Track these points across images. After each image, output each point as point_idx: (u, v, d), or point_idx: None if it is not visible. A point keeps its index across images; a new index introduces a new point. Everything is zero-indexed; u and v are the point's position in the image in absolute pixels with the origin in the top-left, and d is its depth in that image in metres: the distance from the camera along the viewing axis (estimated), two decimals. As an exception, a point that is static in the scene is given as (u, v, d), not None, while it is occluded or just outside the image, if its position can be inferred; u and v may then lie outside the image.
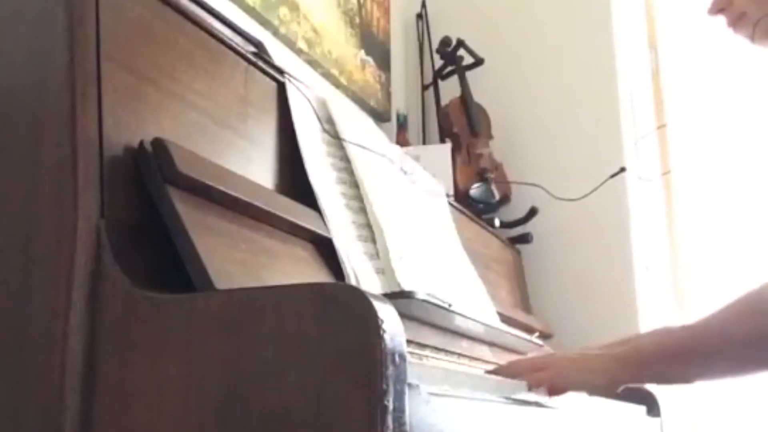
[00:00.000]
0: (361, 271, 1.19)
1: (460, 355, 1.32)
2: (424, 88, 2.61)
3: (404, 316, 0.77)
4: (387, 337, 0.70)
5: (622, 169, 2.18)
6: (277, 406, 0.71)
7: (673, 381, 1.20)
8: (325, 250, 1.17)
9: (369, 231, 1.29)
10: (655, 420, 1.73)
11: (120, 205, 0.87)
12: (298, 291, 0.75)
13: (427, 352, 1.19)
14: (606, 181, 2.15)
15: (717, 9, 1.18)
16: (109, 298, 0.80)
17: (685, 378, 1.14)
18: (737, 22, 1.16)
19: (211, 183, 0.94)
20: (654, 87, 2.62)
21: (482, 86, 2.47)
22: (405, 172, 1.55)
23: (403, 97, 2.59)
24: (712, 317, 1.07)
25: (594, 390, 1.16)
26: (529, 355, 1.52)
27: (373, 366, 0.69)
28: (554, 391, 1.10)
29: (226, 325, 0.75)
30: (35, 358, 0.80)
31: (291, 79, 1.27)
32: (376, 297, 0.72)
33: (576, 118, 2.46)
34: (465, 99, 2.43)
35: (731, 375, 1.14)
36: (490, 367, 1.19)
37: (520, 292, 2.23)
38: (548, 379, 1.09)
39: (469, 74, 2.46)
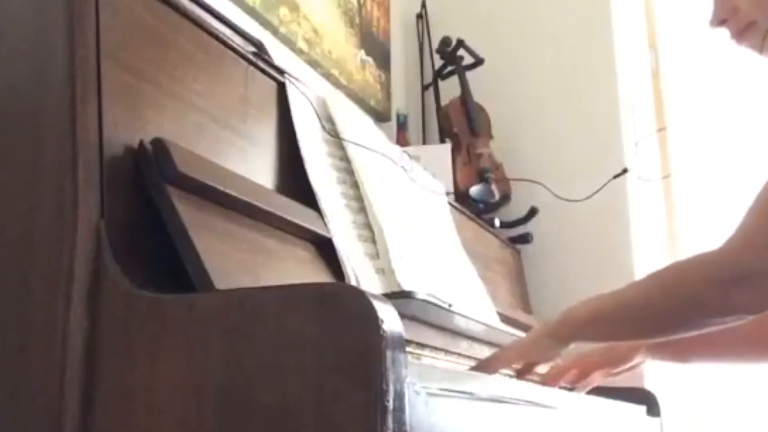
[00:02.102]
0: (361, 271, 1.19)
1: (460, 355, 1.32)
2: (424, 88, 2.61)
3: (404, 316, 0.77)
4: (387, 337, 0.70)
5: (625, 170, 2.18)
6: (277, 406, 0.71)
7: (611, 339, 1.30)
8: (325, 250, 1.17)
9: (369, 231, 1.29)
10: (655, 420, 1.73)
11: (120, 205, 0.87)
12: (298, 291, 0.75)
13: (427, 352, 1.19)
14: (609, 182, 2.15)
15: (720, 20, 1.10)
16: (109, 298, 0.80)
17: (621, 337, 1.24)
18: (744, 32, 1.09)
19: (211, 183, 0.94)
20: (654, 87, 2.62)
21: (482, 86, 2.47)
22: (406, 170, 1.55)
23: (403, 97, 2.59)
24: (636, 283, 1.15)
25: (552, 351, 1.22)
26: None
27: (373, 366, 0.69)
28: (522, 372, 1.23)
29: (226, 325, 0.75)
30: (35, 358, 0.80)
31: (291, 79, 1.27)
32: (376, 297, 0.72)
33: (576, 118, 2.46)
34: (465, 99, 2.43)
35: (657, 336, 1.23)
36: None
37: (520, 292, 2.23)
38: (513, 362, 1.22)
39: (469, 74, 2.46)
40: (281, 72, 1.26)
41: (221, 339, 0.75)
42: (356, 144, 1.36)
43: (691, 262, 1.04)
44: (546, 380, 1.31)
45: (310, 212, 1.16)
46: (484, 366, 1.19)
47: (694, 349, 1.37)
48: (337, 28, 2.14)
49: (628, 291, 1.12)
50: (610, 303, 1.13)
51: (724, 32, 1.12)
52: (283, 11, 1.88)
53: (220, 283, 0.85)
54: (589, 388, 1.40)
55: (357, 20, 2.26)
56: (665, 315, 1.06)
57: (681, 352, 1.39)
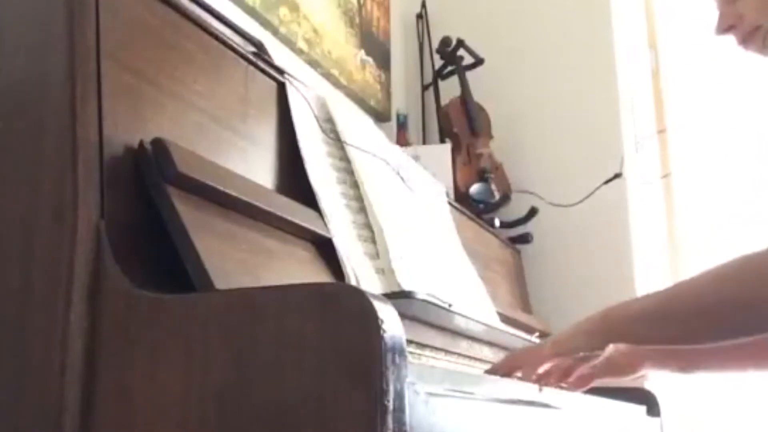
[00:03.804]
0: (361, 271, 1.19)
1: (460, 355, 1.32)
2: (424, 88, 2.61)
3: (404, 316, 0.77)
4: (387, 337, 0.70)
5: (617, 175, 2.18)
6: (277, 405, 0.71)
7: (655, 342, 1.21)
8: (325, 250, 1.17)
9: (369, 231, 1.29)
10: (655, 420, 1.73)
11: (120, 205, 0.87)
12: (298, 291, 0.75)
13: (427, 352, 1.19)
14: (599, 187, 2.15)
15: (726, 27, 1.11)
16: (109, 298, 0.80)
17: (667, 340, 1.15)
18: (750, 37, 1.10)
19: (211, 183, 0.94)
20: (654, 87, 2.62)
21: (482, 86, 2.47)
22: (403, 179, 1.54)
23: (403, 97, 2.59)
24: (687, 281, 1.07)
25: (588, 350, 1.19)
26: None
27: (373, 366, 0.69)
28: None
29: (226, 325, 0.75)
30: (35, 358, 0.80)
31: (291, 79, 1.27)
32: (376, 297, 0.72)
33: (576, 117, 2.46)
34: (465, 99, 2.43)
35: (708, 340, 1.13)
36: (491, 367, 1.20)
37: (520, 292, 2.24)
38: (546, 355, 1.16)
39: (469, 74, 2.46)
40: (281, 72, 1.26)
41: (221, 339, 0.75)
42: (355, 147, 1.36)
43: (760, 254, 0.96)
44: (541, 378, 1.29)
45: (310, 212, 1.16)
46: (512, 360, 1.17)
47: (700, 361, 1.34)
48: (337, 28, 2.14)
49: (680, 287, 1.05)
50: (658, 300, 1.07)
51: (729, 38, 1.13)
52: (283, 11, 1.88)
53: (220, 283, 0.85)
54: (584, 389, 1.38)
55: (357, 20, 2.26)
56: (730, 308, 0.98)
57: (686, 364, 1.36)
